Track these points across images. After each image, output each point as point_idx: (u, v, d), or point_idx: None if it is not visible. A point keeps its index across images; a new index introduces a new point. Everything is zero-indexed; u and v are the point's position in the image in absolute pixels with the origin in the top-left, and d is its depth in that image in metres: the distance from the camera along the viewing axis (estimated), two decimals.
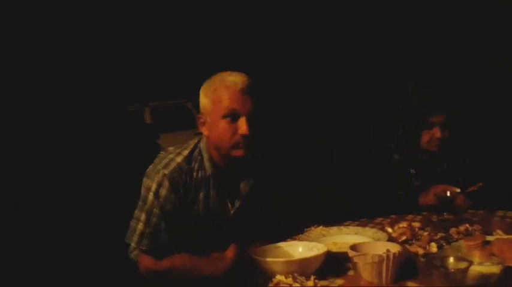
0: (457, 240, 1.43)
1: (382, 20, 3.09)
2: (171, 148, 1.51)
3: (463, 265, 1.02)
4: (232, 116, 1.38)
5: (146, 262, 1.41)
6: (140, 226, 1.41)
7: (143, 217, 1.42)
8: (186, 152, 1.47)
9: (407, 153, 2.10)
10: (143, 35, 2.88)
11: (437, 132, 2.05)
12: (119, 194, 1.67)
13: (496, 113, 2.81)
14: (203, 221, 1.47)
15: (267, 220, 1.58)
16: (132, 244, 1.43)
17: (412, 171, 2.08)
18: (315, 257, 1.26)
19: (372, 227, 1.62)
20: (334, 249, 1.39)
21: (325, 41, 3.21)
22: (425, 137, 2.08)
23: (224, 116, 1.38)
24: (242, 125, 1.37)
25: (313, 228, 1.60)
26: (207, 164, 1.46)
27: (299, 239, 1.49)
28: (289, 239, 1.49)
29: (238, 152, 1.40)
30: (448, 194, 1.70)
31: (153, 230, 1.41)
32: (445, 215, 1.67)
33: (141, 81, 2.76)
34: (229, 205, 1.50)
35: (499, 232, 1.48)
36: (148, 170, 1.46)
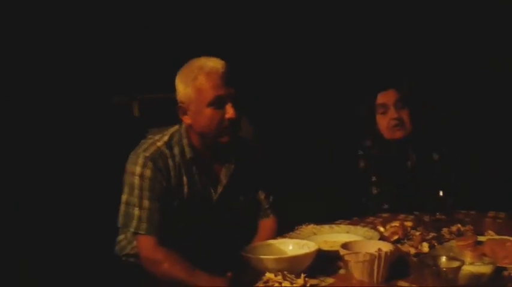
0: (448, 240, 1.42)
1: (382, 20, 3.09)
2: (150, 135, 1.50)
3: (455, 264, 1.01)
4: (218, 103, 1.38)
5: (147, 244, 1.38)
6: (136, 211, 1.39)
7: (135, 201, 1.40)
8: (166, 138, 1.47)
9: (375, 155, 1.90)
10: (132, 27, 2.86)
11: (392, 113, 1.81)
12: (105, 188, 1.64)
13: (480, 108, 2.81)
14: (187, 206, 1.46)
15: (251, 205, 1.58)
16: (132, 229, 1.40)
17: (374, 178, 1.90)
18: (306, 255, 1.25)
19: (364, 226, 1.61)
20: (325, 247, 1.38)
21: (325, 41, 3.20)
22: (381, 123, 1.85)
23: (210, 104, 1.38)
24: (230, 111, 1.38)
25: (304, 226, 1.59)
26: (186, 149, 1.45)
27: (290, 237, 1.47)
28: (279, 237, 1.47)
29: (225, 139, 1.41)
30: (441, 193, 1.69)
31: (149, 213, 1.39)
32: (437, 215, 1.66)
33: (129, 74, 2.73)
34: (212, 190, 1.50)
35: (491, 232, 1.48)
36: (129, 156, 1.45)
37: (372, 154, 1.95)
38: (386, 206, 1.89)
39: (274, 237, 1.50)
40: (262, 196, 1.61)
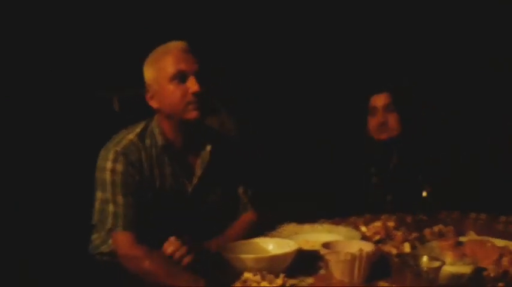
0: (430, 240, 1.42)
1: (382, 19, 3.09)
2: (123, 130, 1.47)
3: (436, 264, 1.00)
4: (180, 77, 1.37)
5: (124, 240, 1.34)
6: (111, 208, 1.35)
7: (108, 197, 1.36)
8: (138, 129, 1.44)
9: (366, 152, 1.96)
10: (115, 20, 2.80)
11: (379, 116, 1.87)
12: (81, 185, 1.60)
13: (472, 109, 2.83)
14: (160, 199, 1.42)
15: (228, 199, 1.56)
16: (108, 226, 1.36)
17: (373, 169, 1.96)
18: (285, 255, 1.23)
19: (346, 225, 1.59)
20: (306, 247, 1.36)
21: (325, 41, 3.19)
22: (370, 124, 1.92)
23: (172, 79, 1.37)
24: (192, 84, 1.36)
25: (285, 225, 1.57)
26: (158, 137, 1.43)
27: (271, 236, 1.45)
28: (260, 236, 1.45)
29: (192, 114, 1.38)
30: (424, 194, 1.69)
31: (124, 209, 1.35)
32: (420, 215, 1.66)
33: (110, 69, 2.68)
34: (187, 182, 1.46)
35: (472, 233, 1.48)
36: (100, 152, 1.41)
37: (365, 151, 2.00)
38: (389, 198, 1.91)
39: (252, 230, 1.45)
40: (241, 190, 1.58)
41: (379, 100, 1.91)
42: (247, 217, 1.57)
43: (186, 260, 1.22)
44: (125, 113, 2.66)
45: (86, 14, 2.79)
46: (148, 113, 1.48)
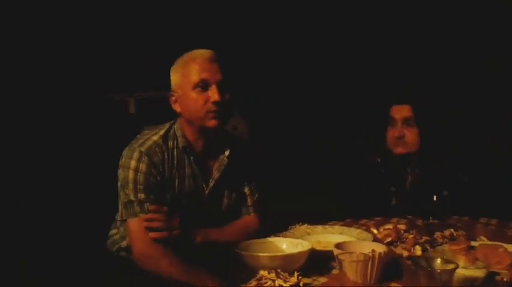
0: (441, 244, 1.43)
1: (382, 19, 3.09)
2: (146, 131, 1.50)
3: (450, 266, 1.01)
4: (203, 86, 1.41)
5: (138, 228, 1.35)
6: (133, 201, 1.38)
7: (130, 194, 1.38)
8: (162, 132, 1.48)
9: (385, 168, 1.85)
10: (131, 25, 2.83)
11: (398, 129, 1.76)
12: (97, 184, 1.62)
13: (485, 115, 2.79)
14: (178, 200, 1.45)
15: (240, 202, 1.58)
16: (131, 217, 1.38)
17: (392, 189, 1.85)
18: (299, 254, 1.24)
19: (357, 227, 1.61)
20: (319, 247, 1.37)
21: (324, 41, 3.19)
22: (388, 135, 1.82)
23: (194, 87, 1.42)
24: (213, 93, 1.40)
25: (297, 226, 1.59)
26: (180, 139, 1.47)
27: (283, 236, 1.46)
28: (273, 236, 1.46)
29: (211, 122, 1.42)
30: (435, 198, 1.70)
31: (144, 200, 1.38)
32: (431, 219, 1.67)
33: (127, 72, 2.70)
34: (204, 185, 1.50)
35: (483, 238, 1.49)
36: (124, 151, 1.44)
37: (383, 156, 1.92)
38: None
39: (250, 236, 1.44)
40: (247, 192, 1.60)
41: (399, 112, 1.82)
42: (249, 221, 1.58)
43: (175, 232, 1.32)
44: (140, 115, 2.69)
45: (103, 17, 2.82)
46: (164, 116, 1.52)
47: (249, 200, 1.59)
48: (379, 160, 1.94)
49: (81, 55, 2.75)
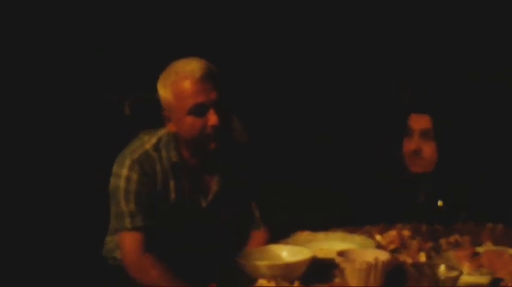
0: (446, 250, 1.40)
1: (381, 19, 3.06)
2: (141, 135, 1.46)
3: (453, 273, 0.99)
4: (198, 111, 1.30)
5: (131, 242, 1.34)
6: (124, 213, 1.36)
7: (122, 203, 1.36)
8: (154, 140, 1.41)
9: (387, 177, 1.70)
10: (126, 25, 2.82)
11: (414, 141, 1.59)
12: (92, 188, 1.61)
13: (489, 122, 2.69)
14: (174, 213, 1.42)
15: (242, 213, 1.54)
16: (116, 226, 1.37)
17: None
18: (300, 262, 1.22)
19: (360, 234, 1.58)
20: (321, 255, 1.35)
21: (324, 39, 3.17)
22: (405, 147, 1.64)
23: (189, 113, 1.31)
24: (212, 117, 1.29)
25: (299, 233, 1.56)
26: (172, 153, 1.40)
27: (284, 244, 1.44)
28: (273, 243, 1.44)
29: (211, 146, 1.34)
30: (440, 203, 1.66)
31: (135, 214, 1.35)
32: (435, 225, 1.64)
33: (121, 73, 2.69)
34: (202, 198, 1.46)
35: (488, 243, 1.46)
36: (117, 157, 1.41)
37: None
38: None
39: None
40: (253, 205, 1.56)
41: (417, 122, 1.64)
42: (260, 235, 1.54)
43: None
44: (135, 117, 2.68)
45: (97, 17, 2.82)
46: (160, 117, 1.47)
47: (255, 213, 1.55)
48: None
49: (74, 55, 2.74)
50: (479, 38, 2.94)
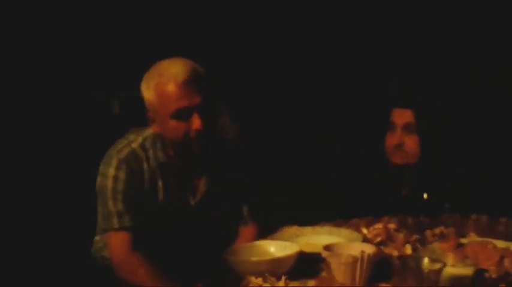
0: (431, 242, 1.42)
1: (381, 19, 3.06)
2: (128, 134, 1.45)
3: (437, 266, 1.01)
4: (182, 115, 1.29)
5: (119, 241, 1.34)
6: (111, 213, 1.35)
7: (109, 203, 1.36)
8: (140, 139, 1.41)
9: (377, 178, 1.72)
10: (114, 22, 2.79)
11: (397, 135, 1.64)
12: (81, 187, 1.61)
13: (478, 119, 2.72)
14: (162, 212, 1.42)
15: (231, 210, 1.54)
16: (104, 227, 1.37)
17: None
18: (287, 257, 1.23)
19: (347, 228, 1.59)
20: (308, 249, 1.36)
21: (324, 39, 3.17)
22: (387, 141, 1.68)
23: (172, 117, 1.30)
24: (195, 121, 1.29)
25: (286, 227, 1.57)
26: (159, 153, 1.40)
27: (272, 239, 1.45)
28: (261, 239, 1.45)
29: (195, 149, 1.34)
30: (425, 196, 1.68)
31: (123, 213, 1.35)
32: (421, 217, 1.66)
33: (111, 71, 2.66)
34: (190, 197, 1.46)
35: (473, 234, 1.48)
36: (104, 157, 1.41)
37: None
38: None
39: None
40: (241, 201, 1.56)
41: (400, 117, 1.68)
42: (249, 231, 1.55)
43: None
44: (124, 116, 2.66)
45: (86, 16, 2.79)
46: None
47: (244, 210, 1.56)
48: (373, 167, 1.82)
49: (63, 54, 2.71)
50: (475, 35, 2.96)
